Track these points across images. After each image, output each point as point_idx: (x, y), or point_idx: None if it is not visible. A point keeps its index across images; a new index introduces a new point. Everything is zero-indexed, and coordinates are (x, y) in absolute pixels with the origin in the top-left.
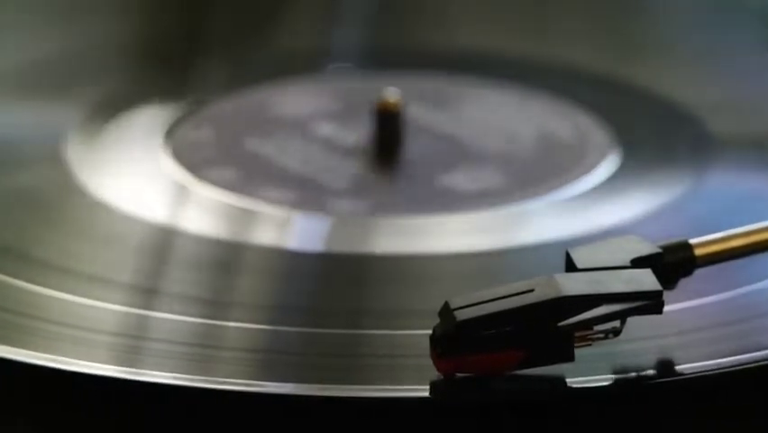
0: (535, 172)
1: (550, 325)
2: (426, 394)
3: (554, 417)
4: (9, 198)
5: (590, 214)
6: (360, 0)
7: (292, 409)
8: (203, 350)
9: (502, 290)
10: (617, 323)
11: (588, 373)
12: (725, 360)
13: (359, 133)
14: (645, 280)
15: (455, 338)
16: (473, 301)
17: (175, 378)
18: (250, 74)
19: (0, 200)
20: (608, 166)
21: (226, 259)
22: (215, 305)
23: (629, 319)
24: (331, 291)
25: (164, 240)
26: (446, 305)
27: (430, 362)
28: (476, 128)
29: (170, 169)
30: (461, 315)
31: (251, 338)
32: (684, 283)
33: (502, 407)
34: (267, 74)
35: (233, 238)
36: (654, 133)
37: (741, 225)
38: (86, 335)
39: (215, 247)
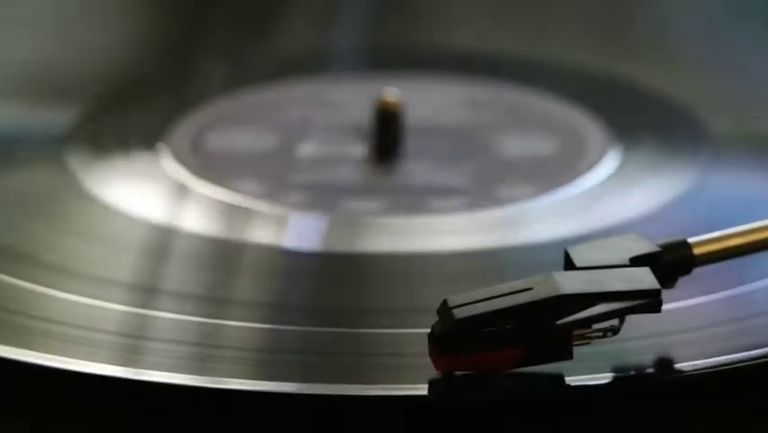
0: (535, 172)
1: (548, 323)
2: (425, 393)
3: (553, 415)
4: (9, 198)
5: (590, 213)
6: (360, 0)
7: (291, 408)
8: (203, 349)
9: (501, 289)
10: (615, 321)
11: (586, 372)
12: (724, 359)
13: (359, 133)
14: (644, 278)
15: (454, 336)
16: (472, 299)
17: (175, 377)
18: (250, 74)
19: (0, 200)
20: (607, 165)
21: (226, 258)
22: (215, 304)
23: (628, 318)
24: (330, 291)
25: (164, 239)
26: (445, 303)
27: (429, 360)
28: (475, 128)
29: (170, 168)
30: (460, 313)
31: (250, 337)
32: (683, 282)
33: (501, 405)
34: (267, 74)
35: (233, 237)
36: (654, 133)
37: (741, 224)
38: (86, 334)
39: (215, 247)
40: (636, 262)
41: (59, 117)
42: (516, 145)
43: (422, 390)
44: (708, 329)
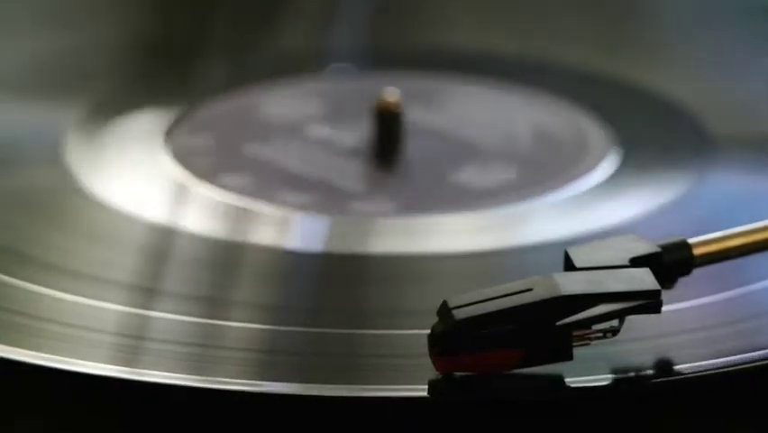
0: (535, 172)
1: (548, 324)
2: (425, 394)
3: (553, 416)
4: (9, 199)
5: (590, 214)
6: (360, 0)
7: (292, 409)
8: (203, 350)
9: (501, 289)
10: (615, 322)
11: (586, 373)
12: (724, 360)
13: (359, 133)
14: (644, 279)
15: (454, 337)
16: (472, 300)
17: (175, 378)
18: (249, 74)
19: (0, 200)
20: (607, 166)
21: (226, 259)
22: (215, 305)
23: (628, 319)
24: (331, 291)
25: (164, 240)
26: (445, 304)
27: (429, 361)
28: (475, 128)
29: (170, 169)
30: (460, 314)
31: (251, 338)
32: (683, 283)
33: (501, 406)
34: (267, 74)
35: (233, 238)
36: (654, 133)
37: (741, 225)
38: (86, 334)
39: (215, 247)
40: (636, 262)
41: (58, 117)
42: (515, 145)
43: (422, 391)
44: (709, 330)
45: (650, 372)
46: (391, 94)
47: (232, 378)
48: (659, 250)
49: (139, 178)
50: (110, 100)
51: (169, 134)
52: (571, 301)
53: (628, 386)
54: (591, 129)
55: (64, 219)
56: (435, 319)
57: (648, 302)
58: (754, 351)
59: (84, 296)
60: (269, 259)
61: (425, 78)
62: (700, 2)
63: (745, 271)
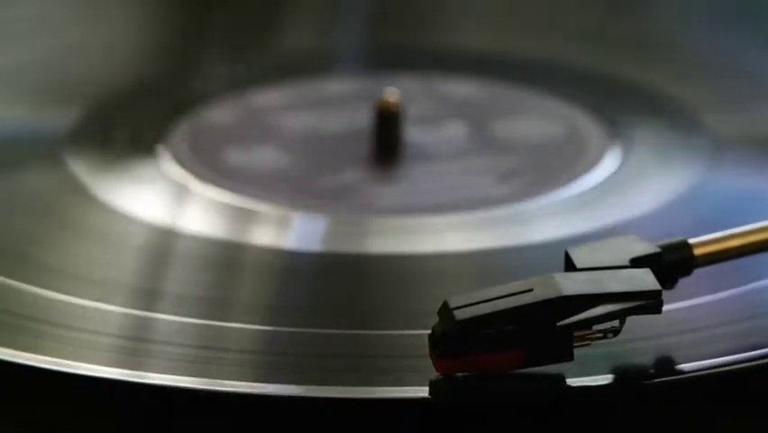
0: (535, 172)
1: (549, 324)
2: (426, 394)
3: (554, 416)
4: (9, 200)
5: (590, 214)
6: (360, 0)
7: (291, 410)
8: (204, 352)
9: (501, 290)
10: (616, 323)
11: (587, 373)
12: (724, 360)
13: (358, 133)
14: (644, 279)
15: (454, 338)
16: (472, 301)
17: (175, 380)
18: (250, 74)
19: (0, 202)
20: (607, 166)
21: (226, 259)
22: (216, 306)
23: (628, 319)
24: (330, 291)
25: (164, 241)
26: (445, 304)
27: (430, 362)
28: (475, 128)
29: (170, 169)
30: (461, 314)
31: (251, 339)
32: (683, 283)
33: (501, 407)
34: (267, 74)
35: (233, 238)
36: (654, 133)
37: (741, 225)
38: (86, 336)
39: (215, 248)
40: (637, 263)
41: (59, 119)
42: (515, 145)
43: (422, 392)
44: (709, 330)
45: (650, 372)
46: (391, 94)
47: (233, 380)
48: (659, 250)
49: (139, 178)
50: (110, 100)
51: (170, 135)
52: (572, 302)
53: (629, 386)
54: (591, 129)
55: (63, 220)
56: (436, 320)
57: (649, 302)
58: (754, 351)
59: (83, 297)
60: (269, 259)
61: (424, 78)
62: (701, 1)
63: (745, 271)
